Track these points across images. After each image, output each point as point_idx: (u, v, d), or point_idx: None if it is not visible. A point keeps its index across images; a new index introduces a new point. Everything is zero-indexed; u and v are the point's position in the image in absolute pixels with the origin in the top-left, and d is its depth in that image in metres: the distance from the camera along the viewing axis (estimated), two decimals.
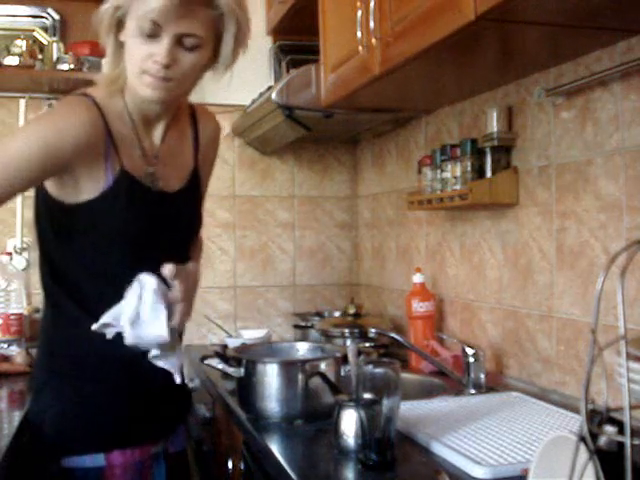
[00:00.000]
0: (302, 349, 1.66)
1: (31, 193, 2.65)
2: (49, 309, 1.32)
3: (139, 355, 1.22)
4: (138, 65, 1.20)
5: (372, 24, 1.57)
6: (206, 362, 1.45)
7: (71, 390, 1.26)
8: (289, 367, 1.42)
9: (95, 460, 1.22)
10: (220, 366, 1.45)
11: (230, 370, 1.44)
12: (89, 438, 1.24)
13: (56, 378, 1.28)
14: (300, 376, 1.40)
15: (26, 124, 1.32)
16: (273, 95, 2.01)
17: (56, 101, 1.34)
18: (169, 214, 1.31)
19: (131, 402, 1.28)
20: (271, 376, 1.41)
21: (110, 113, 1.25)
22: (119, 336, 1.18)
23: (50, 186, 1.25)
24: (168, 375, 1.25)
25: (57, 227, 1.27)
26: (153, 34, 1.17)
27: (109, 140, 1.24)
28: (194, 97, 2.59)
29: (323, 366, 1.42)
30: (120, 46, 1.23)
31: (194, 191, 1.40)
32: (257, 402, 1.42)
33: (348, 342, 2.12)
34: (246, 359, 1.45)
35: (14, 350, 1.99)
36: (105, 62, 1.30)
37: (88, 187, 1.23)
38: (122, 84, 1.26)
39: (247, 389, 1.44)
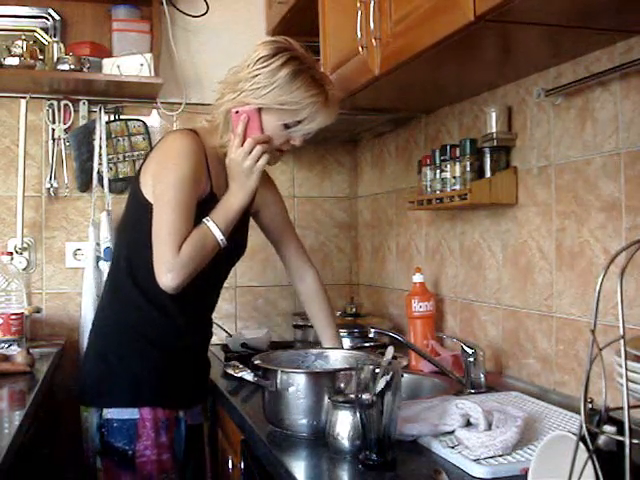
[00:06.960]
0: (333, 357, 1.53)
1: (32, 193, 2.63)
2: (111, 295, 1.62)
3: (174, 336, 1.57)
4: (275, 144, 1.53)
5: (372, 24, 1.57)
6: (229, 371, 1.37)
7: (114, 356, 1.55)
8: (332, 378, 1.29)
9: (131, 413, 1.52)
10: (249, 377, 1.34)
11: (264, 383, 1.32)
12: (127, 396, 1.53)
13: (102, 345, 1.59)
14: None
15: (161, 174, 1.50)
16: None
17: (168, 135, 1.61)
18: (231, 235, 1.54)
19: (162, 371, 1.56)
20: (309, 389, 1.28)
21: (208, 148, 1.55)
22: (158, 317, 1.55)
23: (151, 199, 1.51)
24: (196, 355, 1.67)
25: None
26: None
27: (206, 164, 1.54)
28: (195, 96, 2.60)
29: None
30: (228, 120, 1.51)
31: (246, 223, 1.72)
32: (288, 416, 1.30)
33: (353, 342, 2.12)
34: (280, 370, 1.32)
35: (14, 350, 2.00)
36: (219, 131, 1.57)
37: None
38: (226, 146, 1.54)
39: (279, 403, 1.31)
